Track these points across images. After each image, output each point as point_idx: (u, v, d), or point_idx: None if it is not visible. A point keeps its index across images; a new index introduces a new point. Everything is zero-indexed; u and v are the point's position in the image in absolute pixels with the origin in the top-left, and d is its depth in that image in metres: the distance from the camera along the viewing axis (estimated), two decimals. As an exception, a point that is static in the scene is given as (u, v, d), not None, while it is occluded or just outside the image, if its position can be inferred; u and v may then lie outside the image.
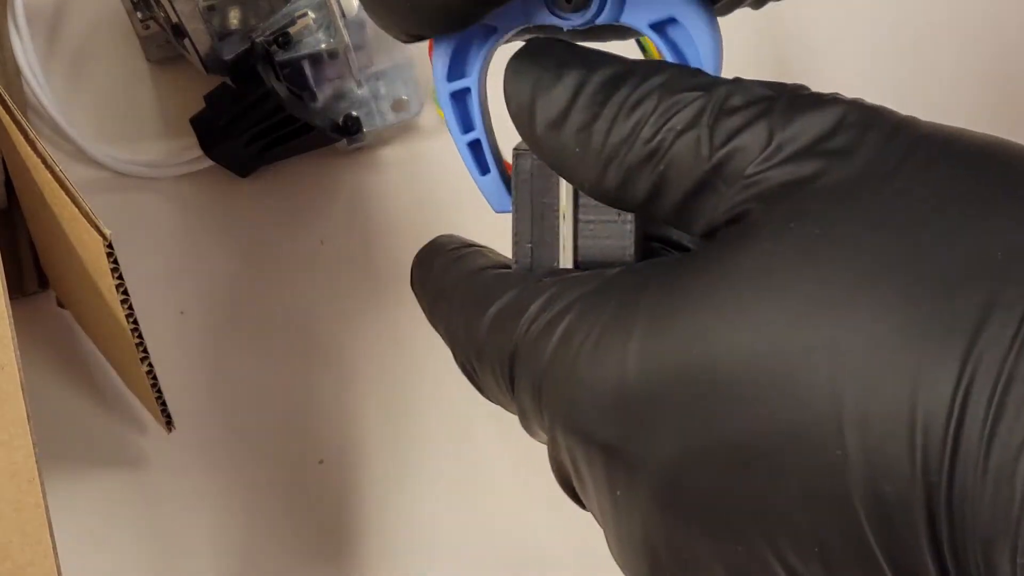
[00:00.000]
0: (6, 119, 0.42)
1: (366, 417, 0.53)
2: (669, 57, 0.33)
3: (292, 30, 0.53)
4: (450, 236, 0.37)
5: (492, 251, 0.36)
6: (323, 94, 0.56)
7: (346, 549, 0.51)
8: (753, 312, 0.27)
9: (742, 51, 0.56)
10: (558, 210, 0.34)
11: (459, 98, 0.37)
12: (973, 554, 0.24)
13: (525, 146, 0.34)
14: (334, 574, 0.51)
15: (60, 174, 0.41)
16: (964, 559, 0.25)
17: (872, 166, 0.27)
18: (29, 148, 0.42)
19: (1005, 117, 0.58)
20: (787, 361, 0.26)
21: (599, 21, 0.34)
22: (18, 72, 0.56)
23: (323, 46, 0.54)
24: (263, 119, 0.54)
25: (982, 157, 0.27)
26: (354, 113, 0.55)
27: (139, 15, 0.55)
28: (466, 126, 0.37)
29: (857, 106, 0.28)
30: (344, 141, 0.55)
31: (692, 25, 0.33)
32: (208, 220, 0.55)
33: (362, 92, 0.56)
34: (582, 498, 0.32)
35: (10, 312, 0.38)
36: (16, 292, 0.53)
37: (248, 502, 0.52)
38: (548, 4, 0.35)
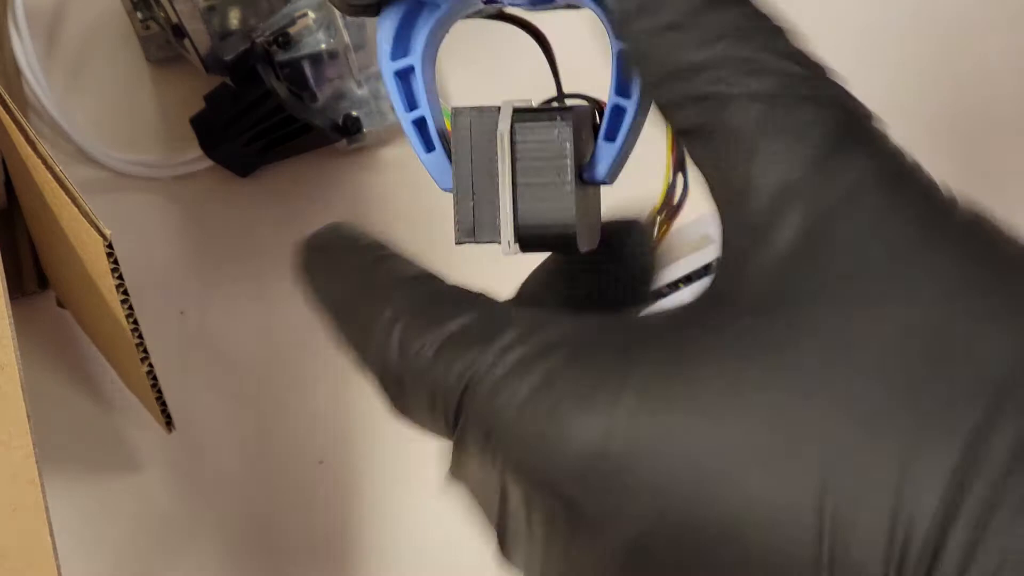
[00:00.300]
0: (6, 119, 0.42)
1: (366, 417, 0.53)
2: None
3: (292, 30, 0.53)
4: (352, 227, 0.34)
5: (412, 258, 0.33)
6: (323, 94, 0.56)
7: (346, 549, 0.51)
8: (747, 405, 0.26)
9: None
10: (498, 169, 0.32)
11: (403, 76, 0.35)
12: None
13: (462, 105, 0.32)
14: (334, 574, 0.51)
15: (60, 174, 0.41)
16: None
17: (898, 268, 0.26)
18: (29, 148, 0.42)
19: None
20: (775, 457, 0.25)
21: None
22: (18, 72, 0.56)
23: (323, 46, 0.54)
24: (263, 119, 0.54)
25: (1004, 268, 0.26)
26: (354, 113, 0.55)
27: (139, 15, 0.55)
28: (411, 104, 0.35)
29: (886, 180, 0.26)
30: (344, 141, 0.55)
31: None
32: (208, 220, 0.55)
33: (362, 92, 0.56)
34: (511, 544, 0.31)
35: (10, 312, 0.38)
36: (16, 292, 0.53)
37: (248, 502, 0.52)
38: None
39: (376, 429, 0.52)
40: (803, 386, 0.25)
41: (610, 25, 0.31)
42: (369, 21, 0.56)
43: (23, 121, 0.42)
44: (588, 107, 0.34)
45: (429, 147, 0.35)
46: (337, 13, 0.53)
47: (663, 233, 0.45)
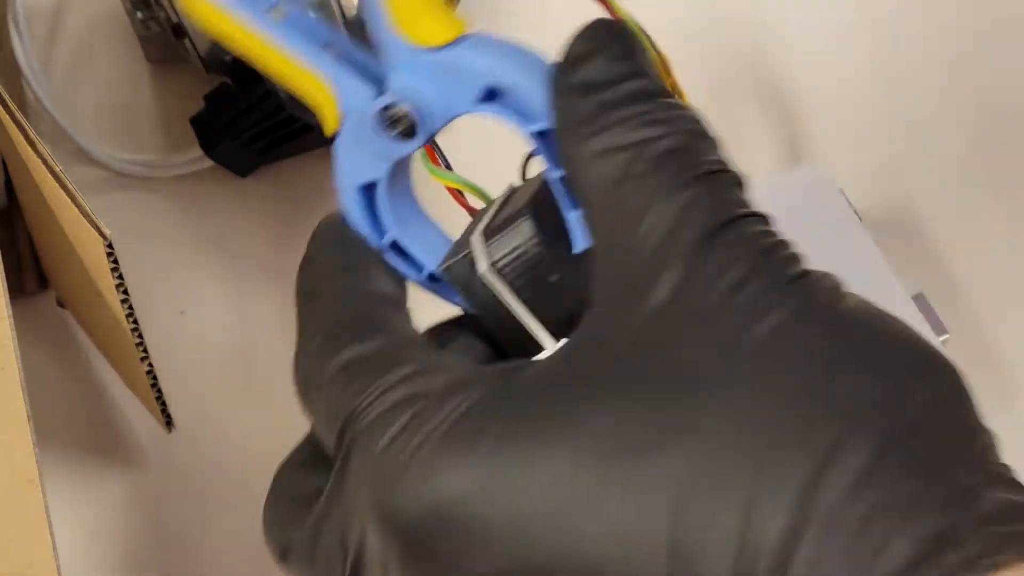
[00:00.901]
0: (6, 119, 0.42)
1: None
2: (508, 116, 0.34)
3: (292, 30, 0.53)
4: (342, 226, 0.36)
5: (384, 269, 0.35)
6: (323, 94, 0.56)
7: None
8: (595, 450, 0.28)
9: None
10: (508, 301, 0.34)
11: (367, 193, 0.37)
12: None
13: (442, 265, 0.35)
14: (334, 574, 0.51)
15: (60, 174, 0.41)
16: None
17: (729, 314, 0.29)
18: (29, 148, 0.42)
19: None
20: (625, 497, 0.27)
21: (429, 141, 0.36)
22: (18, 72, 0.56)
23: (323, 46, 0.54)
24: (263, 119, 0.54)
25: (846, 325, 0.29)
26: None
27: (139, 15, 0.55)
28: (378, 228, 0.37)
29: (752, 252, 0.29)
30: (344, 141, 0.55)
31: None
32: (208, 220, 0.56)
33: (362, 92, 0.56)
34: None
35: (10, 312, 0.38)
36: (16, 292, 0.53)
37: (248, 501, 0.52)
38: (382, 127, 0.36)
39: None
40: (657, 426, 0.27)
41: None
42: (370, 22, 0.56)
43: (23, 121, 0.42)
44: (539, 179, 0.35)
45: (418, 268, 0.36)
46: (337, 13, 0.53)
47: None
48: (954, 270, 0.56)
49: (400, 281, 0.35)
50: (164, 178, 0.56)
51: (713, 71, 0.57)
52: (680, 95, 0.44)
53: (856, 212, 0.52)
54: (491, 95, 0.35)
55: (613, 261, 0.30)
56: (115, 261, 0.41)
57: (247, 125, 0.54)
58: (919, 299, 0.50)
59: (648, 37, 0.43)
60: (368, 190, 0.38)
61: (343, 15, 0.54)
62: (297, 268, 0.37)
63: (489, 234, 0.34)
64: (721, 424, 0.27)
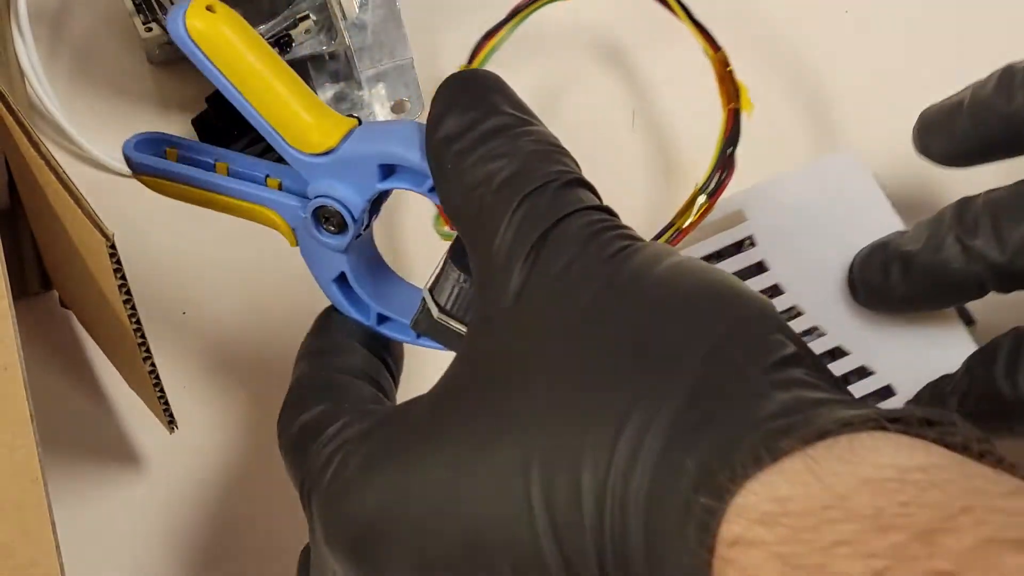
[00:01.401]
0: (9, 120, 0.42)
1: (367, 417, 0.53)
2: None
3: (293, 32, 0.53)
4: (327, 318, 0.45)
5: (356, 349, 0.43)
6: (324, 96, 0.56)
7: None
8: (464, 460, 0.33)
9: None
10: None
11: (341, 283, 0.45)
12: None
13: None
14: (335, 573, 0.51)
15: (63, 175, 0.41)
16: None
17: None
18: (32, 149, 0.42)
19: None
20: (483, 477, 0.33)
21: (362, 231, 0.43)
22: (21, 73, 0.56)
23: (324, 48, 0.54)
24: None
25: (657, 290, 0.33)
26: (355, 114, 0.55)
27: (141, 18, 0.56)
28: (364, 311, 0.44)
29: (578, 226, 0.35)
30: (345, 142, 0.56)
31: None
32: (210, 221, 0.56)
33: (363, 93, 0.56)
34: None
35: (13, 312, 0.38)
36: (19, 292, 0.53)
37: (250, 501, 0.52)
38: (319, 229, 0.43)
39: (377, 429, 0.53)
40: (496, 422, 0.33)
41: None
42: (370, 23, 0.56)
43: (26, 122, 0.42)
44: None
45: (419, 333, 0.43)
46: (338, 15, 0.53)
47: (706, 209, 0.48)
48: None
49: (374, 356, 0.43)
50: (166, 179, 0.56)
51: (750, 60, 0.57)
52: (739, 88, 0.46)
53: (888, 198, 0.52)
54: (388, 171, 0.41)
55: (482, 279, 0.36)
56: (117, 261, 0.41)
57: (248, 127, 0.54)
58: None
59: (705, 33, 0.47)
60: (342, 279, 0.44)
61: (344, 17, 0.54)
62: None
63: (433, 286, 0.40)
64: (545, 402, 0.32)
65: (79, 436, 0.52)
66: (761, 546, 0.27)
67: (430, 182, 0.39)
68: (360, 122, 0.43)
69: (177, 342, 0.53)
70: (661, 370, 0.31)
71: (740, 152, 0.49)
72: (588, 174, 0.37)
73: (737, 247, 0.51)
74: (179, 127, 0.57)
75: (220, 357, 0.54)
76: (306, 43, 0.54)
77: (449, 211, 0.38)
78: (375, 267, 0.46)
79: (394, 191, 0.42)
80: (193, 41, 0.42)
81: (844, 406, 0.29)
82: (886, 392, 0.49)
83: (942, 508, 0.25)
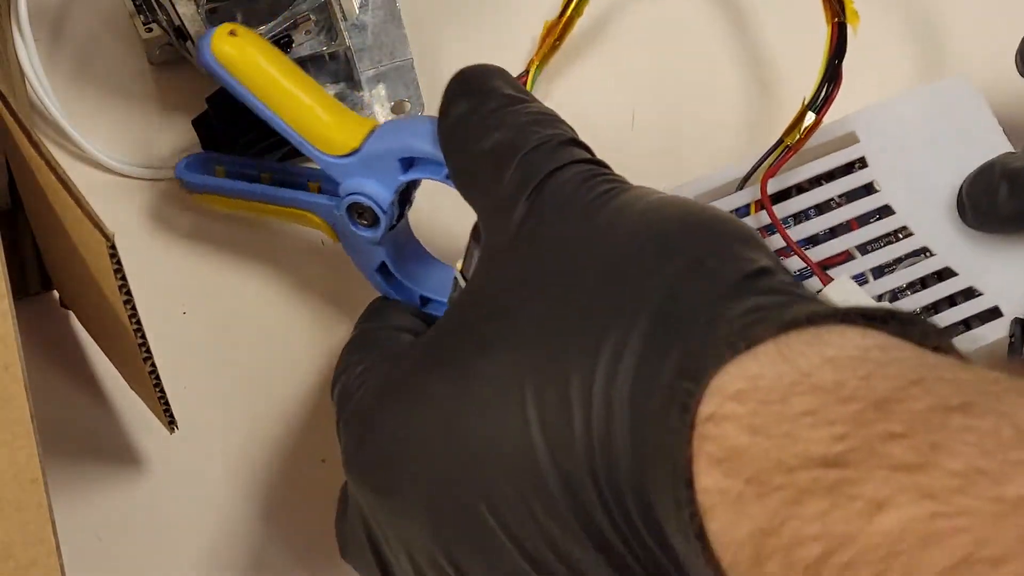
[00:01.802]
0: (9, 121, 0.42)
1: (367, 417, 0.53)
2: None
3: (294, 32, 0.53)
4: (378, 303, 0.49)
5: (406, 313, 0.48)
6: (324, 96, 0.56)
7: (347, 548, 0.51)
8: (464, 381, 0.36)
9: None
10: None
11: (383, 272, 0.49)
12: (631, 504, 0.33)
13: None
14: (335, 573, 0.51)
15: (63, 175, 0.42)
16: (624, 507, 0.33)
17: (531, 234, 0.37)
18: (32, 150, 0.42)
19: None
20: (490, 403, 0.35)
21: (395, 222, 0.48)
22: (21, 74, 0.56)
23: (324, 49, 0.54)
24: (264, 121, 0.54)
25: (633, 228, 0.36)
26: (357, 115, 0.55)
27: (141, 18, 0.56)
28: (407, 293, 0.49)
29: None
30: (345, 142, 0.56)
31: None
32: (210, 221, 0.56)
33: (363, 94, 0.56)
34: (351, 553, 0.44)
35: (14, 312, 0.38)
36: (20, 292, 0.53)
37: (251, 501, 0.52)
38: (354, 224, 0.48)
39: (377, 429, 0.53)
40: (519, 338, 0.35)
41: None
42: (370, 23, 0.56)
43: (26, 123, 0.42)
44: None
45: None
46: (338, 16, 0.53)
47: (812, 128, 0.49)
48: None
49: (422, 322, 0.47)
50: (167, 179, 0.56)
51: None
52: (843, 1, 0.50)
53: (1000, 123, 0.52)
54: (408, 164, 0.46)
55: (487, 229, 0.40)
56: (118, 262, 0.41)
57: (249, 127, 0.54)
58: None
59: None
60: (384, 269, 0.49)
61: (344, 18, 0.54)
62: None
63: (463, 265, 0.43)
64: (535, 323, 0.35)
65: (79, 436, 0.52)
66: (734, 419, 0.29)
67: (446, 170, 0.43)
68: (380, 122, 0.47)
69: (177, 342, 0.53)
70: (640, 284, 0.34)
71: (854, 75, 0.49)
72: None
73: (848, 168, 0.52)
74: (179, 127, 0.57)
75: (220, 357, 0.54)
76: (306, 44, 0.54)
77: (458, 182, 0.41)
78: (414, 253, 0.50)
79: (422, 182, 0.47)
80: (222, 66, 0.46)
81: (814, 303, 0.32)
82: (994, 313, 0.49)
83: (897, 380, 0.28)
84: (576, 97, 0.59)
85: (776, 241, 0.50)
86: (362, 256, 0.49)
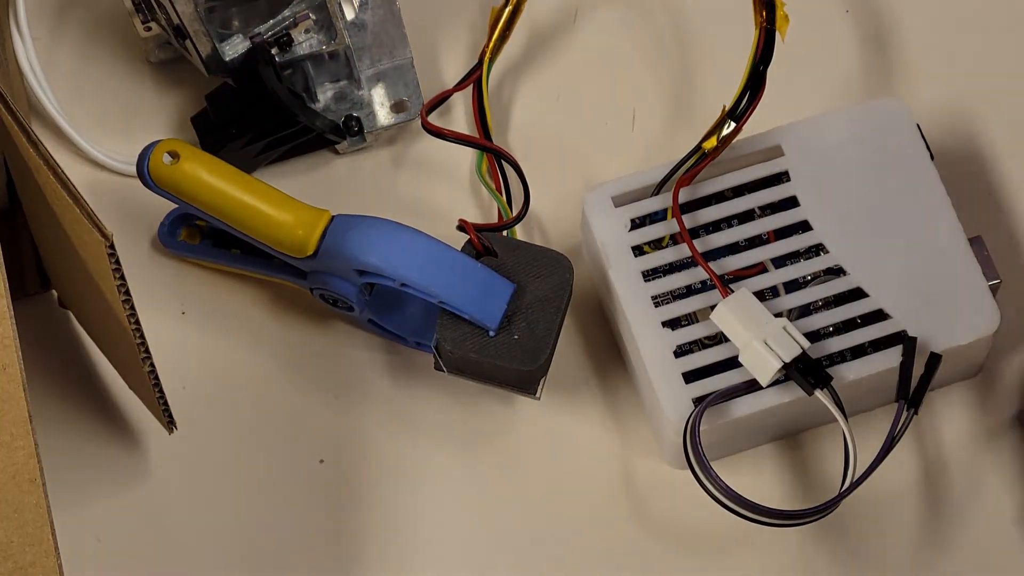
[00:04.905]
0: (8, 120, 0.42)
1: (366, 417, 0.53)
2: None
3: (293, 31, 0.53)
4: None
5: None
6: (324, 95, 0.56)
7: (346, 548, 0.51)
8: None
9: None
10: None
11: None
12: None
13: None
14: (336, 572, 0.51)
15: (62, 175, 0.41)
16: None
17: None
18: (31, 149, 0.42)
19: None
20: None
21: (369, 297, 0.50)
22: (20, 73, 0.56)
23: (324, 47, 0.54)
24: (264, 119, 0.54)
25: None
26: (355, 114, 0.55)
27: (140, 17, 0.55)
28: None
29: None
30: (344, 142, 0.56)
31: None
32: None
33: (363, 93, 0.56)
34: None
35: (12, 312, 0.38)
36: (18, 292, 0.53)
37: (249, 501, 0.52)
38: (331, 306, 0.51)
39: (376, 429, 0.53)
40: None
41: None
42: (370, 23, 0.56)
43: (25, 122, 0.42)
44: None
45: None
46: (338, 15, 0.53)
47: (731, 136, 0.48)
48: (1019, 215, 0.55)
49: None
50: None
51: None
52: (774, 5, 0.49)
53: (929, 148, 0.52)
54: (361, 273, 0.48)
55: None
56: (116, 261, 0.41)
57: (248, 125, 0.54)
58: (976, 242, 0.50)
59: None
60: (373, 322, 0.52)
61: (343, 16, 0.54)
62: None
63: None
64: None
65: (79, 436, 0.52)
66: None
67: (399, 280, 0.47)
68: (331, 215, 0.49)
69: (177, 342, 0.53)
70: None
71: (787, 87, 0.49)
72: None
73: (772, 180, 0.51)
74: (179, 126, 0.57)
75: (219, 357, 0.54)
76: (305, 43, 0.54)
77: None
78: (398, 306, 0.52)
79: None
80: (161, 188, 0.48)
81: None
82: (898, 338, 0.49)
83: None
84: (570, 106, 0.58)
85: (684, 250, 0.50)
86: (352, 318, 0.52)
